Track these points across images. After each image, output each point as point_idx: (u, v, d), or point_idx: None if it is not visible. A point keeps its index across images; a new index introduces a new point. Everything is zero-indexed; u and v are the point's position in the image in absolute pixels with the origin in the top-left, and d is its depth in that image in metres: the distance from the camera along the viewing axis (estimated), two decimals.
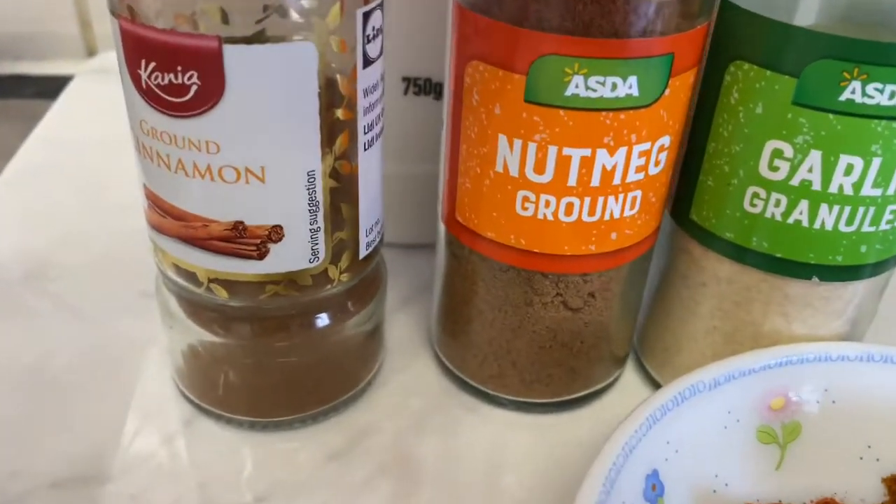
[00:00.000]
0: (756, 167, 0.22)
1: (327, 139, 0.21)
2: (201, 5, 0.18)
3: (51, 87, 0.50)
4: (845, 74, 0.19)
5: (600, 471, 0.19)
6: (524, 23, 0.19)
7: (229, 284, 0.22)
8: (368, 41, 0.20)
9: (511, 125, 0.21)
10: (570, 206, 0.22)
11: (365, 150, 0.22)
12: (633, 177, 0.22)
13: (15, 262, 0.32)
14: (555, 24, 0.19)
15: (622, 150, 0.21)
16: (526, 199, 0.22)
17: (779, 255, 0.23)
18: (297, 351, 0.24)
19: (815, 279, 0.23)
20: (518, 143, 0.21)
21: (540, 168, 0.21)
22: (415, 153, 0.30)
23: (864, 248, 0.22)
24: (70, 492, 0.23)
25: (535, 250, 0.23)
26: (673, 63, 0.20)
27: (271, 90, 0.19)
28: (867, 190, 0.21)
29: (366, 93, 0.21)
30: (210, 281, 0.22)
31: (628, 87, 0.20)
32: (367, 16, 0.20)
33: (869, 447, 0.23)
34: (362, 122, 0.21)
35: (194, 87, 0.19)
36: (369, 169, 0.22)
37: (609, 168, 0.21)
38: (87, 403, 0.26)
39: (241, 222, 0.21)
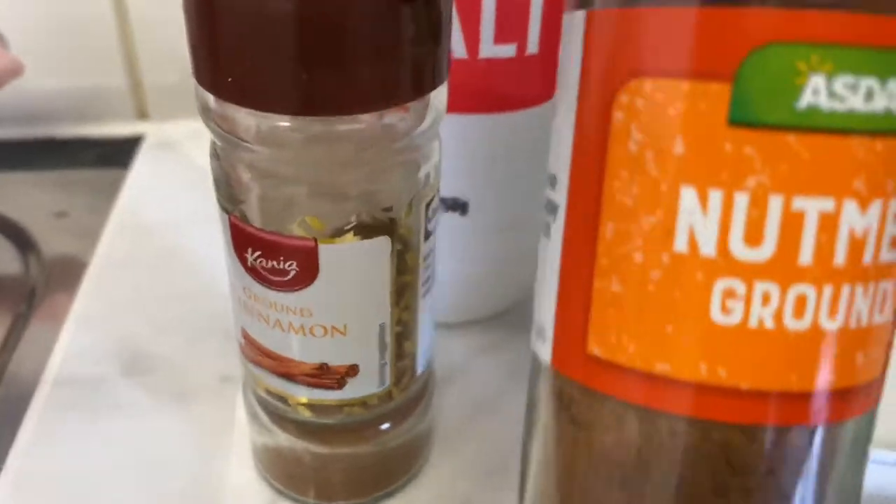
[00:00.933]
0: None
1: (395, 299, 0.25)
2: (303, 218, 0.23)
3: (110, 154, 0.54)
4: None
5: None
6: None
7: (313, 407, 0.27)
8: (429, 221, 0.25)
9: (706, 168, 0.14)
10: (801, 301, 0.14)
11: (423, 298, 0.27)
12: (887, 255, 0.14)
13: (113, 356, 0.37)
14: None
15: (876, 206, 0.14)
16: (730, 293, 0.14)
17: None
18: (362, 453, 0.29)
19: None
20: (716, 196, 0.13)
21: (755, 237, 0.14)
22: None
23: None
24: None
25: (743, 387, 0.14)
26: None
27: (355, 273, 0.24)
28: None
29: (425, 258, 0.26)
30: (296, 404, 0.27)
31: (888, 96, 0.13)
32: (428, 205, 0.25)
33: None
34: (421, 279, 0.26)
35: (293, 272, 0.24)
36: (424, 311, 0.27)
37: (860, 234, 0.14)
38: (184, 485, 0.31)
39: (326, 363, 0.26)
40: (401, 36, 0.21)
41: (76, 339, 0.38)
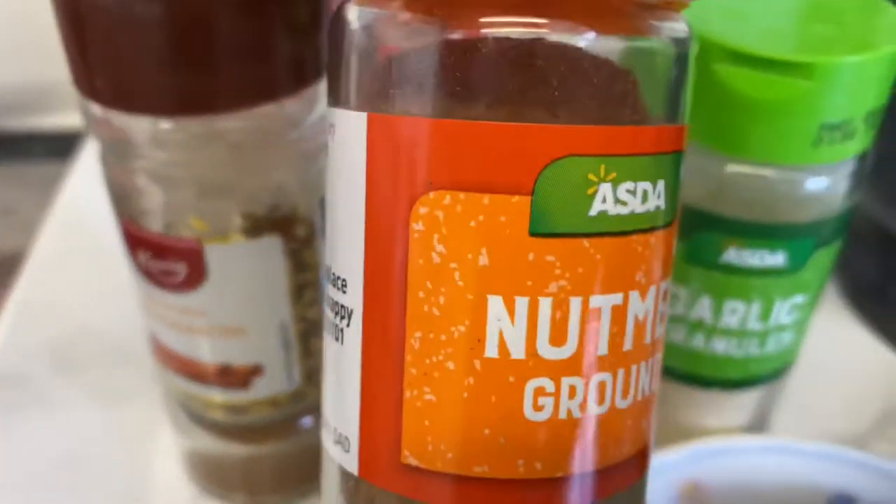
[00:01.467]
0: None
1: (296, 298, 0.25)
2: (187, 219, 0.22)
3: (57, 147, 0.54)
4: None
5: None
6: (523, 111, 0.14)
7: (224, 407, 0.27)
8: (323, 218, 0.25)
9: (510, 278, 0.14)
10: (601, 387, 0.15)
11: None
12: (659, 331, 0.16)
13: (43, 355, 0.37)
14: (570, 110, 0.14)
15: (652, 291, 0.15)
16: (540, 391, 0.14)
17: (684, 372, 0.27)
18: (285, 449, 0.29)
19: (718, 389, 0.27)
20: (522, 302, 0.14)
21: (559, 337, 0.14)
22: None
23: (754, 367, 0.27)
24: None
25: (557, 475, 0.15)
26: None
27: (246, 273, 0.23)
28: (751, 324, 0.25)
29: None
30: (208, 405, 0.27)
31: (657, 196, 0.15)
32: (322, 201, 0.24)
33: None
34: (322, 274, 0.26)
35: (182, 274, 0.23)
36: None
37: (641, 319, 0.15)
38: (113, 483, 0.31)
39: (229, 364, 0.25)
40: (270, 31, 0.20)
41: (9, 336, 0.38)
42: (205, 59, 0.20)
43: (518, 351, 0.14)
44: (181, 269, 0.23)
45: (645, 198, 0.14)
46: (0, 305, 0.40)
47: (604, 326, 0.14)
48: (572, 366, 0.14)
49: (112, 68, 0.20)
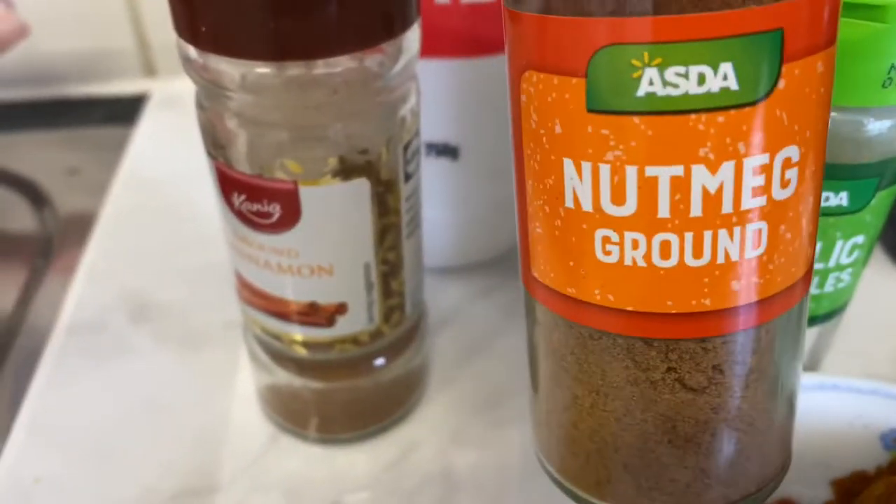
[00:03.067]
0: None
1: (379, 239, 0.26)
2: (282, 161, 0.24)
3: (119, 111, 0.55)
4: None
5: None
6: (574, 8, 0.16)
7: (306, 344, 0.29)
8: (408, 163, 0.26)
9: (576, 145, 0.17)
10: (665, 245, 0.17)
11: (407, 238, 0.28)
12: (750, 202, 0.17)
13: (121, 305, 0.39)
14: (611, 4, 0.15)
15: (728, 166, 0.16)
16: (607, 239, 0.17)
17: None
18: (359, 387, 0.31)
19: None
20: (587, 166, 0.17)
21: (619, 197, 0.17)
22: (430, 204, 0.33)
23: (812, 306, 0.27)
24: (187, 501, 0.30)
25: (629, 308, 0.18)
26: (784, 42, 0.16)
27: (336, 214, 0.25)
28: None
29: (406, 199, 0.27)
30: (291, 342, 0.29)
31: (722, 78, 0.15)
32: (406, 147, 0.26)
33: (821, 457, 0.29)
34: (404, 219, 0.27)
35: (277, 214, 0.25)
36: (410, 252, 0.28)
37: (713, 191, 0.16)
38: (192, 425, 0.33)
39: (315, 302, 0.27)
40: None
41: (87, 290, 0.40)
42: (305, 4, 0.21)
43: (587, 205, 0.17)
44: (276, 210, 0.25)
45: (702, 80, 0.15)
46: (76, 261, 0.42)
47: (663, 193, 0.16)
48: (634, 223, 0.17)
49: (214, 14, 0.22)
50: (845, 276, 0.27)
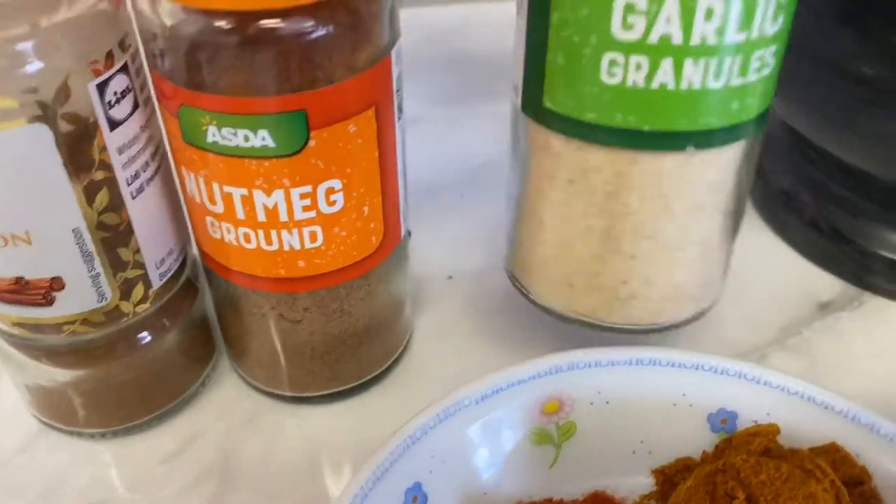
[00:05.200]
0: (608, 29, 0.20)
1: (87, 199, 0.22)
2: None
3: None
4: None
5: (346, 498, 0.21)
6: (172, 76, 0.21)
7: (33, 327, 0.25)
8: (111, 107, 0.22)
9: (184, 160, 0.23)
10: (247, 235, 0.23)
11: (133, 198, 0.24)
12: (302, 215, 0.23)
13: None
14: (188, 79, 0.21)
15: (279, 192, 0.22)
16: (212, 224, 0.24)
17: (647, 129, 0.21)
18: (122, 369, 0.27)
19: (691, 148, 0.22)
20: (191, 175, 0.23)
21: (212, 200, 0.23)
22: None
23: (735, 105, 0.21)
24: None
25: (235, 269, 0.25)
26: (308, 118, 0.21)
27: (16, 168, 0.21)
28: (731, 36, 0.20)
29: (121, 150, 0.23)
30: (14, 324, 0.25)
31: (262, 139, 0.21)
32: (102, 86, 0.21)
33: (641, 442, 0.25)
34: (123, 175, 0.23)
35: None
36: (145, 212, 0.24)
37: (270, 207, 0.23)
38: None
39: (22, 277, 0.23)
40: None
41: None
42: None
43: (198, 199, 0.24)
44: None
45: (247, 139, 0.21)
46: None
47: (237, 203, 0.23)
48: (225, 217, 0.24)
49: None
50: (769, 56, 0.21)
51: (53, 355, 0.26)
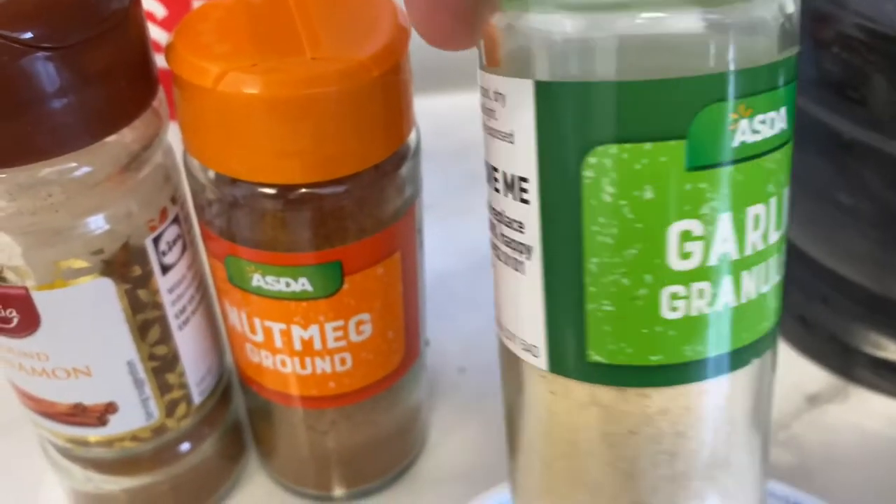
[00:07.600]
0: (664, 263, 0.18)
1: (140, 335, 0.25)
2: (6, 264, 0.22)
3: None
4: (733, 116, 0.17)
5: None
6: (220, 231, 0.24)
7: (84, 441, 0.27)
8: (164, 255, 0.25)
9: (229, 298, 0.26)
10: (283, 361, 0.26)
11: (180, 329, 0.26)
12: (334, 344, 0.26)
13: None
14: (235, 234, 0.24)
15: (314, 327, 0.25)
16: (251, 350, 0.27)
17: (714, 354, 0.19)
18: (164, 477, 0.29)
19: (756, 360, 0.20)
20: (234, 309, 0.26)
21: (252, 331, 0.26)
22: None
23: (775, 303, 0.20)
24: None
25: (269, 387, 0.28)
26: (343, 266, 0.24)
27: (80, 316, 0.23)
28: (772, 237, 0.19)
29: (170, 290, 0.25)
30: (67, 440, 0.27)
31: (301, 284, 0.24)
32: (156, 240, 0.24)
33: None
34: (172, 311, 0.26)
35: (16, 319, 0.23)
36: (188, 341, 0.27)
37: (306, 338, 0.26)
38: None
39: (81, 403, 0.26)
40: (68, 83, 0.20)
41: None
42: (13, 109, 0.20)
43: (241, 330, 0.27)
44: (14, 315, 0.23)
45: (288, 285, 0.24)
46: None
47: (276, 335, 0.26)
48: (264, 346, 0.27)
49: None
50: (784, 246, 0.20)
51: (101, 466, 0.28)
